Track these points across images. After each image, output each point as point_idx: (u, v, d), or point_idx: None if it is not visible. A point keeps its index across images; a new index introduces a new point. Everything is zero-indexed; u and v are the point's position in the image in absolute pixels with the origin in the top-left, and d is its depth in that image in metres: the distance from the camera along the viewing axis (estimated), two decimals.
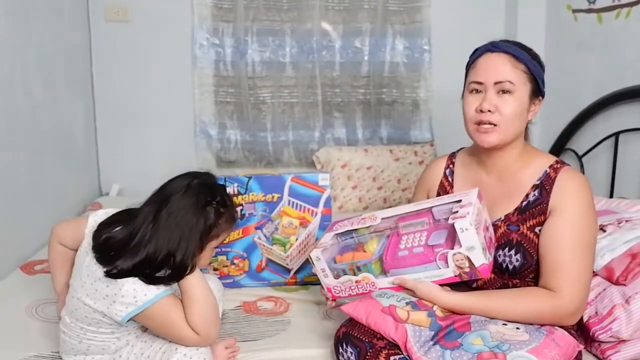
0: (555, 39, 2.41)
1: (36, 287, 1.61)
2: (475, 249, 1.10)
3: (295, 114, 2.65)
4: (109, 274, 1.08)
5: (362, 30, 2.60)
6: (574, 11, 2.29)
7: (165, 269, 1.10)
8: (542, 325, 1.14)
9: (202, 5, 2.52)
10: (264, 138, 2.64)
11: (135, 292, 1.08)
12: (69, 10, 2.31)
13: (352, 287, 1.25)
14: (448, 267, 1.14)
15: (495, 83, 1.19)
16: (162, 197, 1.14)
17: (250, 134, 2.63)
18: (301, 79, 2.61)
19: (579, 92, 2.20)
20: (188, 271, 1.12)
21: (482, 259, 1.11)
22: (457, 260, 1.13)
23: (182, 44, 2.54)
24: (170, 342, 1.14)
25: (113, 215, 1.18)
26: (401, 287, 1.20)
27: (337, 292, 1.28)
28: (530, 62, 1.20)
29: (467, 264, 1.12)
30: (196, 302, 1.12)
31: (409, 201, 1.54)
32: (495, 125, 1.19)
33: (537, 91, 1.22)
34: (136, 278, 1.08)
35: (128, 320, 1.10)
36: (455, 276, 1.15)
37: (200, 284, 1.14)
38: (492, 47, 1.22)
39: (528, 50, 1.23)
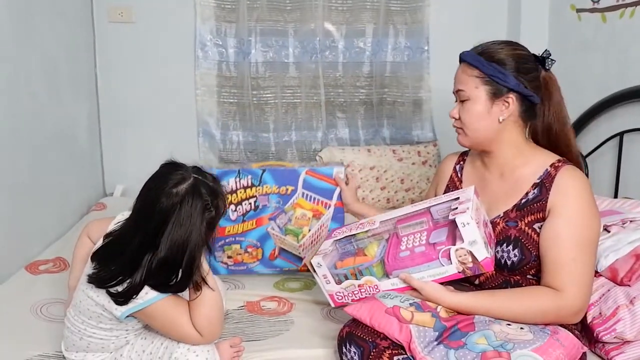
0: (559, 39, 2.40)
1: (41, 287, 1.61)
2: (477, 243, 1.10)
3: (298, 115, 2.65)
4: (118, 302, 1.08)
5: (365, 31, 2.60)
6: (578, 11, 2.28)
7: (172, 279, 1.10)
8: (546, 325, 1.14)
9: (205, 6, 2.52)
10: (266, 138, 2.64)
11: None
12: (73, 11, 2.32)
13: (355, 292, 1.25)
14: (451, 263, 1.14)
15: (456, 92, 1.28)
16: (154, 221, 1.06)
17: (253, 134, 2.63)
18: (304, 80, 2.61)
19: (583, 92, 2.20)
20: (195, 276, 1.11)
21: (484, 253, 1.11)
22: (460, 256, 1.13)
23: (185, 44, 2.54)
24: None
25: (103, 246, 1.14)
26: (405, 288, 1.21)
27: (340, 298, 1.27)
28: (482, 64, 1.21)
29: (470, 259, 1.13)
30: (205, 305, 1.12)
31: (423, 196, 1.57)
32: (462, 129, 1.27)
33: (502, 90, 1.21)
34: None
35: (127, 317, 1.11)
36: (459, 272, 1.15)
37: (210, 286, 1.14)
38: (459, 57, 1.28)
39: (491, 51, 1.22)
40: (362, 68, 2.64)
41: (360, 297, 1.24)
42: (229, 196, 1.60)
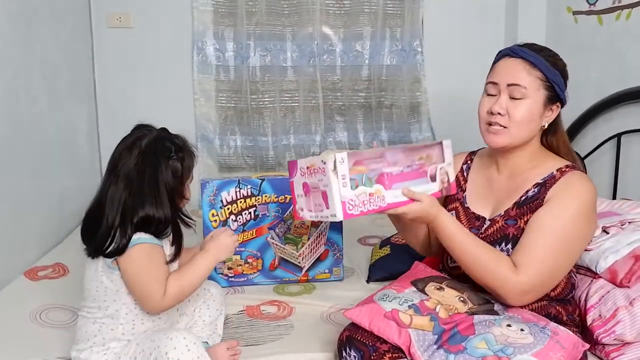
0: (556, 41, 2.41)
1: (40, 293, 1.61)
2: (451, 165, 1.23)
3: (296, 118, 2.66)
4: (108, 255, 1.14)
5: (362, 34, 2.61)
6: (575, 13, 2.29)
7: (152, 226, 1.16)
8: (539, 321, 1.14)
9: (203, 11, 2.53)
10: (265, 143, 2.64)
11: None
12: (72, 16, 2.32)
13: (365, 202, 1.14)
14: (435, 182, 1.21)
15: (509, 85, 1.21)
16: (122, 176, 1.16)
17: (251, 138, 2.63)
18: (302, 83, 2.61)
19: (581, 94, 2.20)
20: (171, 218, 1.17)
21: (453, 176, 1.24)
22: (442, 175, 1.21)
23: (183, 49, 2.55)
24: (159, 347, 1.12)
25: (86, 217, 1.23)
26: (405, 202, 1.16)
27: (351, 208, 1.13)
28: (547, 68, 1.21)
29: (446, 179, 1.22)
30: (191, 273, 1.19)
31: None
32: (505, 127, 1.22)
33: (554, 98, 1.22)
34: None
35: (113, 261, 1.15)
36: (439, 191, 1.22)
37: (204, 265, 1.21)
38: (511, 52, 1.24)
39: (550, 57, 1.24)
40: (360, 71, 2.64)
41: (369, 208, 1.14)
42: (230, 206, 1.63)
